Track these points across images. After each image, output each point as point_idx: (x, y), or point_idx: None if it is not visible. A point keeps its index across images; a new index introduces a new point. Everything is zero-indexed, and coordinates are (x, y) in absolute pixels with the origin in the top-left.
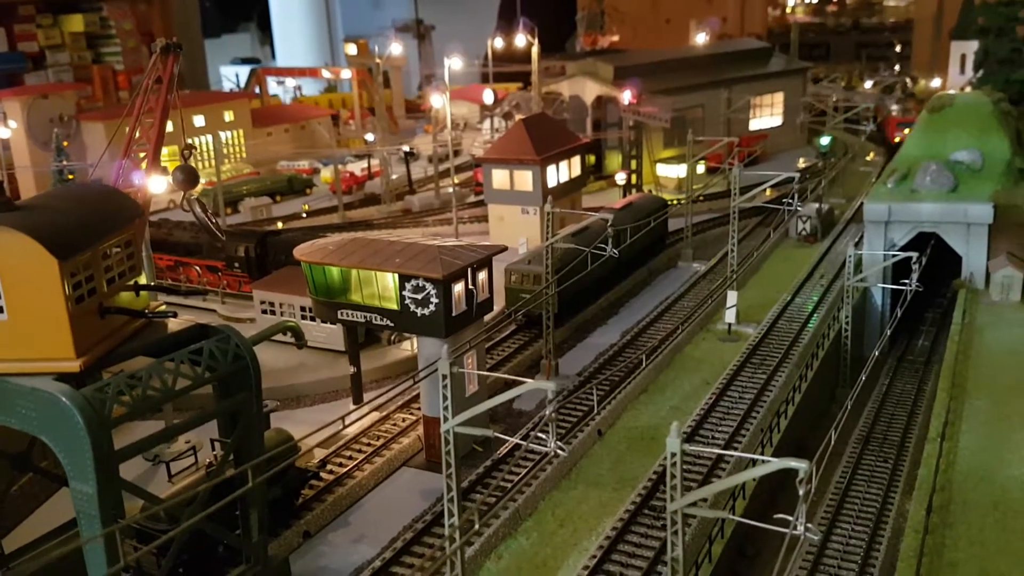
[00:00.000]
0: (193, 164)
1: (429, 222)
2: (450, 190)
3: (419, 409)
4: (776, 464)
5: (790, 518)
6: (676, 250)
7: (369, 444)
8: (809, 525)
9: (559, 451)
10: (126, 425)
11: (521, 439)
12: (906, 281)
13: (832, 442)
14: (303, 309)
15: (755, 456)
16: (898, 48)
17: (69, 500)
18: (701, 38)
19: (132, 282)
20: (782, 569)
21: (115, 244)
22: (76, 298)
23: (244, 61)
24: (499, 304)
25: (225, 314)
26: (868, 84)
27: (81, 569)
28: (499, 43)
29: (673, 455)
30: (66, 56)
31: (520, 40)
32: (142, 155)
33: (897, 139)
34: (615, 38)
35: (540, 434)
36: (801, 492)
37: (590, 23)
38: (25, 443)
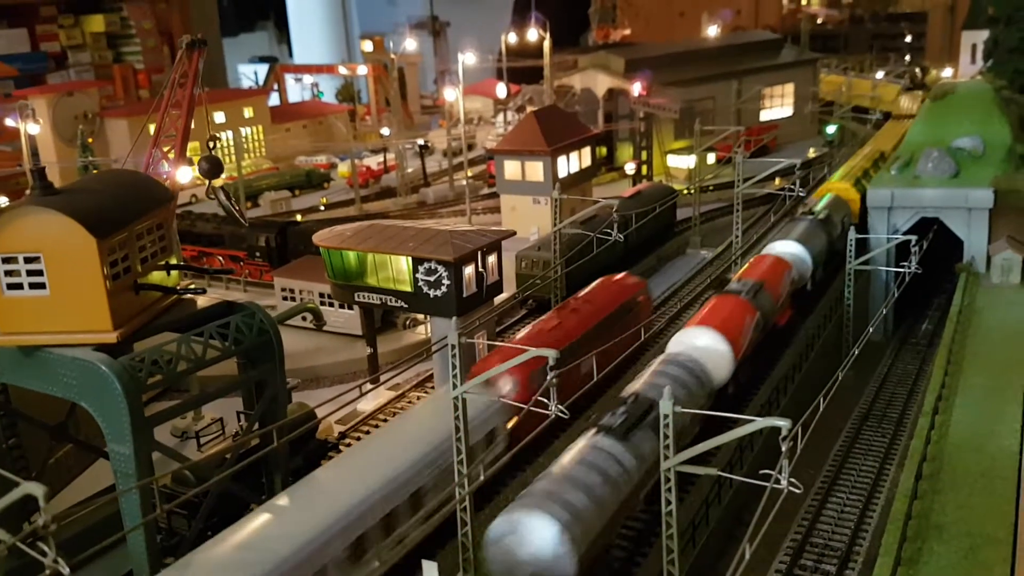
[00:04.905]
0: (217, 155)
1: (443, 213)
2: (464, 183)
3: (432, 388)
4: (761, 423)
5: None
6: (685, 238)
7: (385, 420)
8: (792, 480)
9: (560, 414)
10: (153, 405)
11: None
12: (906, 264)
13: (821, 407)
14: (321, 295)
15: (741, 416)
16: (908, 39)
17: (101, 475)
18: (712, 31)
19: (163, 262)
20: (761, 521)
21: (148, 226)
22: (113, 275)
23: (262, 59)
24: (510, 291)
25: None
26: (879, 74)
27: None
28: (513, 38)
29: (666, 416)
30: (87, 56)
31: (533, 35)
32: (166, 148)
33: None
34: (627, 32)
35: (543, 399)
36: (784, 448)
37: (602, 17)
38: (63, 414)
